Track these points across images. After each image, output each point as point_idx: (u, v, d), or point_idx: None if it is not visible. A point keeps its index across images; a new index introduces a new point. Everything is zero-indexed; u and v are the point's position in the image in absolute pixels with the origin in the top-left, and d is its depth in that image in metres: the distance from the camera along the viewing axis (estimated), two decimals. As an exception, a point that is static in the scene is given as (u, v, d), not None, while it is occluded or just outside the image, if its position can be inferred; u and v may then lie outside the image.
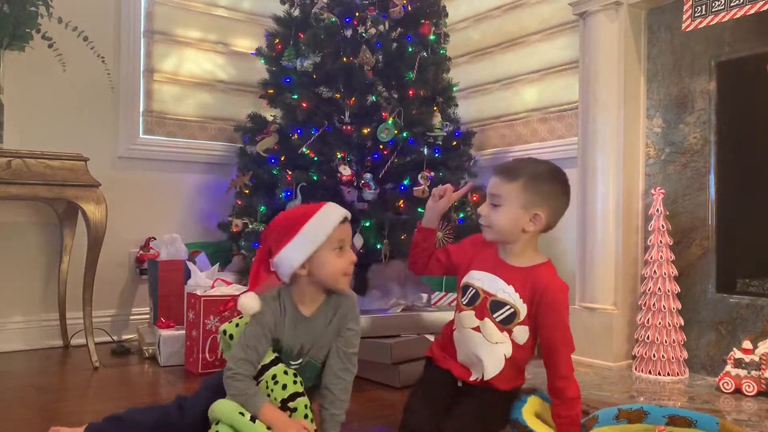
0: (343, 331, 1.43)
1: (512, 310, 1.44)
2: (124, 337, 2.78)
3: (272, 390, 1.33)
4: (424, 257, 1.57)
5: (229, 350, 1.42)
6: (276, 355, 1.37)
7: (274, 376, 1.33)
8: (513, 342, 1.45)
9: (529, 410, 1.51)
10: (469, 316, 1.48)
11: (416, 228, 1.58)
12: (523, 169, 1.46)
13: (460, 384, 1.51)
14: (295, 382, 1.34)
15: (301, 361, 1.41)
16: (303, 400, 1.33)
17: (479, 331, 1.46)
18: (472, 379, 1.48)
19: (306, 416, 1.32)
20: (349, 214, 1.41)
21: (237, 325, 1.46)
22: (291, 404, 1.32)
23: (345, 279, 1.39)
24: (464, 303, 1.50)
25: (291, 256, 1.36)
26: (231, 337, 1.45)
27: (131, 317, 2.85)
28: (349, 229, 1.40)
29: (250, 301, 1.37)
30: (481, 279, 1.49)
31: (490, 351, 1.45)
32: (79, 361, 2.40)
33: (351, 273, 1.40)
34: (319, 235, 1.34)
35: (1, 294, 2.56)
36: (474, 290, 1.49)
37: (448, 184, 1.56)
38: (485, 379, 1.46)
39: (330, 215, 1.37)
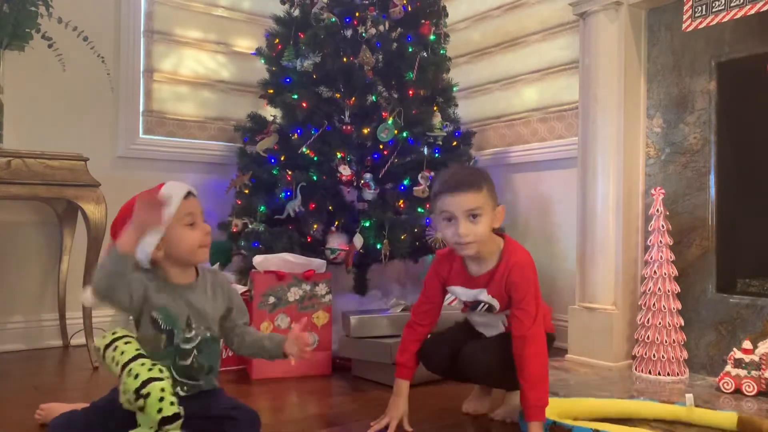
0: (229, 312, 1.48)
1: (488, 305, 1.63)
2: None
3: (125, 383, 1.26)
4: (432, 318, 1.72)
5: (104, 364, 1.35)
6: (138, 351, 1.31)
7: (129, 370, 1.27)
8: (501, 321, 1.68)
9: (549, 410, 1.53)
10: (457, 309, 1.80)
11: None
12: (477, 177, 1.54)
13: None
14: (150, 370, 1.27)
15: (194, 335, 1.39)
16: (158, 385, 1.25)
17: (475, 315, 1.72)
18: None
19: (161, 399, 1.24)
20: (193, 189, 1.44)
21: (109, 337, 1.40)
22: (143, 391, 1.24)
23: (202, 251, 1.42)
24: (448, 302, 1.80)
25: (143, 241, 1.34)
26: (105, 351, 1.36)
27: (131, 317, 2.84)
28: (195, 203, 1.44)
29: (89, 295, 1.37)
30: (457, 292, 1.66)
31: (487, 326, 1.71)
32: (78, 361, 2.40)
33: (208, 244, 1.43)
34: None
35: (1, 294, 2.56)
36: (454, 297, 1.74)
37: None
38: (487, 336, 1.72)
39: (170, 192, 1.39)
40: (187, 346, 1.39)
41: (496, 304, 1.61)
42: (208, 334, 1.42)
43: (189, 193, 1.43)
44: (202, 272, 1.48)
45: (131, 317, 1.43)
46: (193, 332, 1.40)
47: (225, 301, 1.48)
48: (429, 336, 1.70)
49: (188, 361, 1.39)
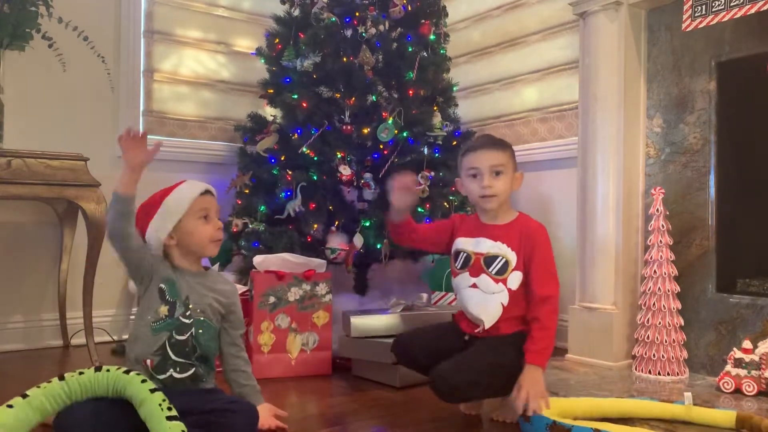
0: (228, 315, 1.54)
1: (504, 260, 1.64)
2: (124, 336, 2.78)
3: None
4: (407, 233, 1.76)
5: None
6: (154, 386, 1.32)
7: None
8: (508, 290, 1.63)
9: (549, 409, 1.54)
10: (464, 277, 1.68)
11: (389, 224, 1.75)
12: (501, 140, 1.73)
13: (466, 338, 1.69)
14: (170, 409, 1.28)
15: (189, 315, 1.46)
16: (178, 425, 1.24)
17: (476, 288, 1.65)
18: (477, 331, 1.66)
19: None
20: (212, 188, 1.54)
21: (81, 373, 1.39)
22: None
23: (213, 245, 1.50)
24: (458, 267, 1.70)
25: (157, 227, 1.46)
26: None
27: (131, 317, 2.84)
28: (212, 200, 1.52)
29: (132, 285, 1.54)
30: (468, 242, 1.69)
31: (487, 302, 1.64)
32: (79, 360, 2.40)
33: (219, 239, 1.51)
34: (182, 204, 1.46)
35: (1, 294, 2.56)
36: (465, 254, 1.69)
37: (411, 175, 1.71)
38: (486, 328, 1.64)
39: (189, 188, 1.50)
40: (186, 321, 1.45)
41: (513, 257, 1.63)
42: (202, 318, 1.47)
43: (207, 191, 1.52)
44: (211, 272, 1.57)
45: (138, 285, 1.50)
46: (189, 311, 1.46)
47: (226, 302, 1.53)
48: (407, 331, 1.76)
49: (185, 336, 1.44)
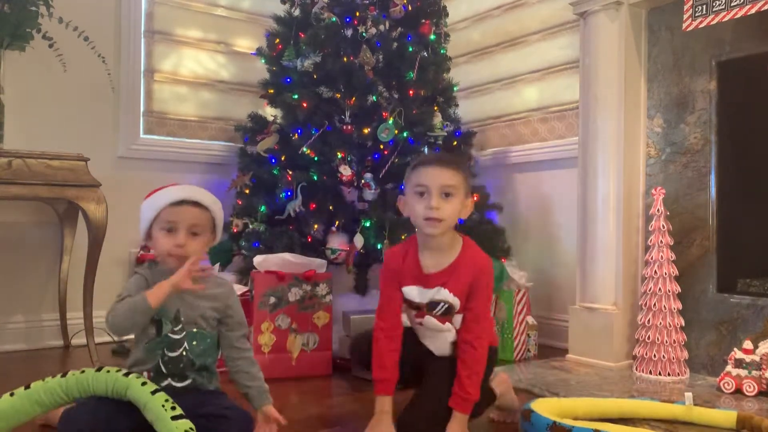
0: (225, 319, 1.48)
1: (447, 305, 1.54)
2: (125, 337, 2.78)
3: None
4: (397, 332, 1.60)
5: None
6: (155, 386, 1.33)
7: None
8: (454, 328, 1.56)
9: (550, 410, 1.54)
10: (410, 315, 1.60)
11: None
12: (456, 160, 1.61)
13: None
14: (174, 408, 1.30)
15: (180, 328, 1.41)
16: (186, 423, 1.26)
17: (422, 325, 1.59)
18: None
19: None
20: (198, 197, 1.42)
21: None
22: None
23: (170, 259, 1.41)
24: (404, 306, 1.60)
25: (139, 230, 1.47)
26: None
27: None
28: (185, 212, 1.41)
29: None
30: (411, 293, 1.57)
31: (435, 338, 1.59)
32: (79, 361, 2.40)
33: (178, 255, 1.40)
34: (147, 213, 1.42)
35: (1, 294, 2.56)
36: (409, 300, 1.58)
37: None
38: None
39: (164, 195, 1.42)
40: (177, 337, 1.41)
41: (456, 303, 1.53)
42: (195, 330, 1.43)
43: (184, 202, 1.41)
44: (215, 279, 1.50)
45: None
46: (180, 325, 1.42)
47: (221, 306, 1.47)
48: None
49: (177, 353, 1.41)
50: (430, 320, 1.56)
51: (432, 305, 1.55)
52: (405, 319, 1.62)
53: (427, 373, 1.57)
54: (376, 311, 1.60)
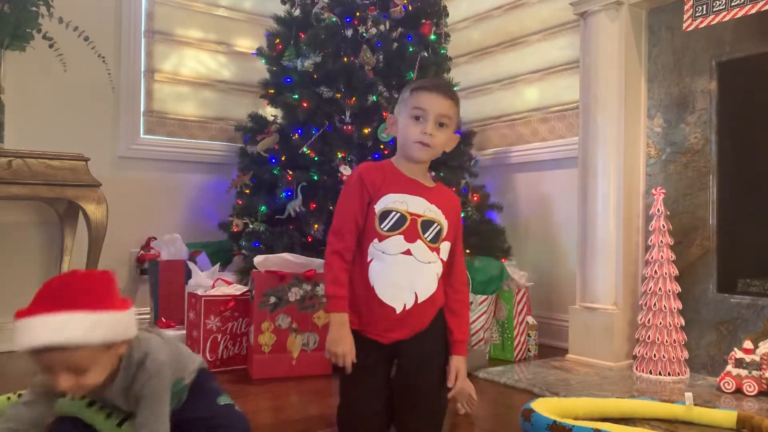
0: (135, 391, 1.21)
1: (439, 227, 1.45)
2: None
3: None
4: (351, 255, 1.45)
5: None
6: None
7: None
8: (441, 260, 1.45)
9: (550, 409, 1.54)
10: (396, 242, 1.41)
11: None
12: (455, 92, 1.53)
13: (387, 349, 1.44)
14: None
15: (115, 415, 1.26)
16: None
17: (410, 254, 1.41)
18: (399, 310, 1.41)
19: None
20: (50, 343, 1.08)
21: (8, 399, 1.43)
22: None
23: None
24: (385, 229, 1.41)
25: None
26: None
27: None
28: (54, 358, 1.09)
29: None
30: (404, 201, 1.44)
31: (423, 271, 1.43)
32: (79, 360, 2.40)
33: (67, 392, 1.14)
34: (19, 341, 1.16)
35: (1, 294, 2.56)
36: (398, 214, 1.42)
37: None
38: (418, 302, 1.42)
39: (24, 335, 1.14)
40: (117, 420, 1.26)
41: (445, 225, 1.45)
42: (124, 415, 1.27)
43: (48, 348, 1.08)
44: (127, 363, 1.19)
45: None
46: (114, 414, 1.27)
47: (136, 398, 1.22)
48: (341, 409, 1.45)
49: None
50: (421, 246, 1.42)
51: (425, 225, 1.43)
52: (374, 257, 1.43)
53: (415, 371, 1.42)
54: (330, 231, 1.47)
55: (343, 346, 1.36)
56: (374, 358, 1.42)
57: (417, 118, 1.44)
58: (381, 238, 1.42)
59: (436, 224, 1.44)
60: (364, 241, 1.44)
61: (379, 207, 1.43)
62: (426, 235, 1.43)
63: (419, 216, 1.43)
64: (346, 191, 1.47)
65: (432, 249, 1.43)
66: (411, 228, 1.42)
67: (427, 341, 1.43)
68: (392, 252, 1.41)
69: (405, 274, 1.42)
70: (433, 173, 1.57)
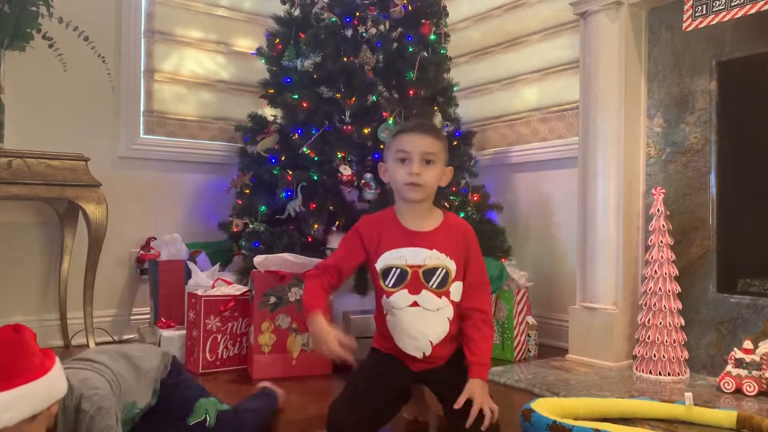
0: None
1: (444, 270, 1.48)
2: (125, 337, 2.78)
3: None
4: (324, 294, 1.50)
5: None
6: None
7: None
8: (452, 303, 1.49)
9: (550, 409, 1.54)
10: (401, 296, 1.48)
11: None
12: (436, 128, 1.59)
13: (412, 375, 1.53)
14: None
15: None
16: None
17: (417, 305, 1.48)
18: (420, 356, 1.49)
19: None
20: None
21: None
22: None
23: None
24: (390, 285, 1.49)
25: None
26: None
27: (132, 317, 2.85)
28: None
29: None
30: (401, 256, 1.49)
31: (432, 319, 1.48)
32: (79, 361, 2.40)
33: None
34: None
35: (1, 294, 2.56)
36: (398, 270, 1.49)
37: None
38: (434, 346, 1.48)
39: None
40: None
41: (453, 267, 1.47)
42: None
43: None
44: (63, 417, 1.10)
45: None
46: None
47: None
48: (338, 401, 1.46)
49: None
50: (427, 296, 1.47)
51: (428, 274, 1.47)
52: (387, 311, 1.51)
53: (446, 394, 1.46)
54: (317, 265, 1.55)
55: (326, 343, 1.37)
56: (392, 377, 1.51)
57: (402, 160, 1.49)
58: (388, 294, 1.50)
59: (440, 269, 1.48)
60: (377, 296, 1.54)
61: (380, 266, 1.50)
62: (431, 284, 1.48)
63: (419, 266, 1.48)
64: (344, 240, 1.58)
65: (440, 294, 1.48)
66: (413, 281, 1.48)
67: (450, 365, 1.51)
68: (400, 306, 1.49)
69: (416, 326, 1.48)
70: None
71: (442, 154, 1.51)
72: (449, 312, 1.49)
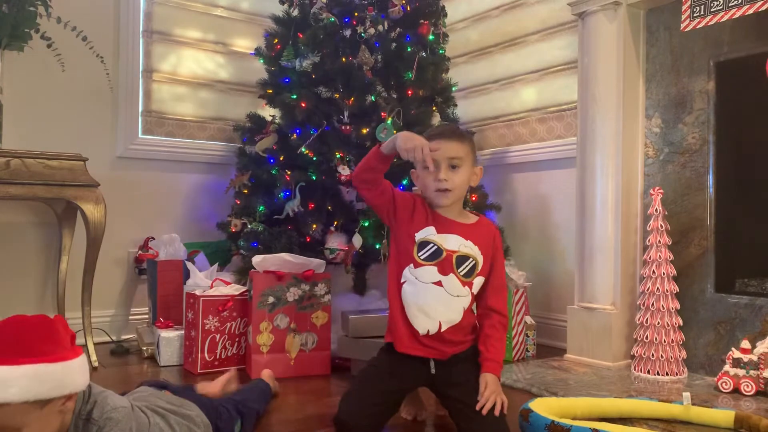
0: None
1: (474, 262, 1.55)
2: (123, 337, 2.78)
3: None
4: (375, 181, 1.56)
5: None
6: None
7: None
8: (471, 295, 1.56)
9: (548, 409, 1.55)
10: (429, 271, 1.53)
11: (375, 150, 1.52)
12: (462, 131, 1.64)
13: (433, 371, 1.56)
14: None
15: None
16: None
17: (441, 286, 1.53)
18: (422, 333, 1.53)
19: None
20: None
21: None
22: None
23: None
24: (422, 258, 1.54)
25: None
26: None
27: (130, 317, 2.84)
28: None
29: None
30: (441, 237, 1.55)
31: (449, 303, 1.54)
32: (78, 361, 2.39)
33: None
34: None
35: (0, 294, 2.55)
36: (435, 246, 1.54)
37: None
38: (441, 330, 1.53)
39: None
40: None
41: (480, 261, 1.55)
42: None
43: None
44: (76, 420, 1.09)
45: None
46: None
47: None
48: (346, 396, 1.52)
49: None
50: (452, 280, 1.53)
51: (460, 260, 1.54)
52: (407, 280, 1.55)
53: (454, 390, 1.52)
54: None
55: (416, 139, 1.46)
56: (409, 379, 1.57)
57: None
58: (417, 265, 1.54)
59: (471, 259, 1.55)
60: (402, 263, 1.57)
61: (419, 236, 1.55)
62: (460, 270, 1.54)
63: (454, 252, 1.54)
64: (401, 192, 1.62)
65: (464, 283, 1.54)
66: (446, 262, 1.53)
67: (460, 362, 1.55)
68: (425, 280, 1.53)
69: (433, 303, 1.53)
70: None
71: (468, 156, 1.57)
72: (466, 302, 1.55)
